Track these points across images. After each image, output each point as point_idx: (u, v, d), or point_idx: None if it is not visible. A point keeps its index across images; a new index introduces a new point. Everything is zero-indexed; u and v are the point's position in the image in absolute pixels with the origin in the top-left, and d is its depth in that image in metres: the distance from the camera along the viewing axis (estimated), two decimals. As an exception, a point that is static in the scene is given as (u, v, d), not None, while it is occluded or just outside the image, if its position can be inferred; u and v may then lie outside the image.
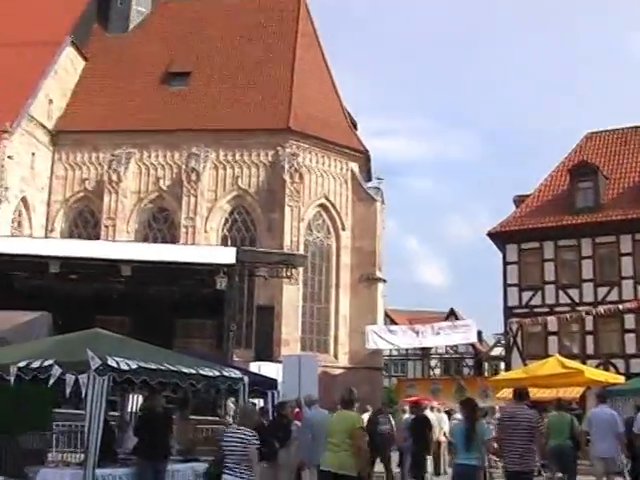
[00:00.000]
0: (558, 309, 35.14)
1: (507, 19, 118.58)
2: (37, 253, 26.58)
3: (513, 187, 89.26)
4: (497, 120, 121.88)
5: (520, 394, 12.33)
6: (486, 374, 57.66)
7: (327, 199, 43.81)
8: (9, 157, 39.61)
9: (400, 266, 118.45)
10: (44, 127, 43.61)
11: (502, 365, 46.62)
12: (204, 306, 28.88)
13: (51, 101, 44.39)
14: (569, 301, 35.59)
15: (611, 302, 33.71)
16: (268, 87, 45.09)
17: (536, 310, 36.00)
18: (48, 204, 43.81)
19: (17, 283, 28.71)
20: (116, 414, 17.94)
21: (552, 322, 34.41)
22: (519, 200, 40.38)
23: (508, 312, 37.02)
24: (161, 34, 49.17)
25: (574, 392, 27.15)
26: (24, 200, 41.77)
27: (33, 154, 42.66)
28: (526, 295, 36.84)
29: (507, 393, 23.77)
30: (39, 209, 43.09)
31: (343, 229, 43.81)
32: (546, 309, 35.74)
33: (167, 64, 46.96)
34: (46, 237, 41.36)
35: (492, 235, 38.63)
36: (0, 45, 44.47)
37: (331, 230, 43.84)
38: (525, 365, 32.26)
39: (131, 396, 18.28)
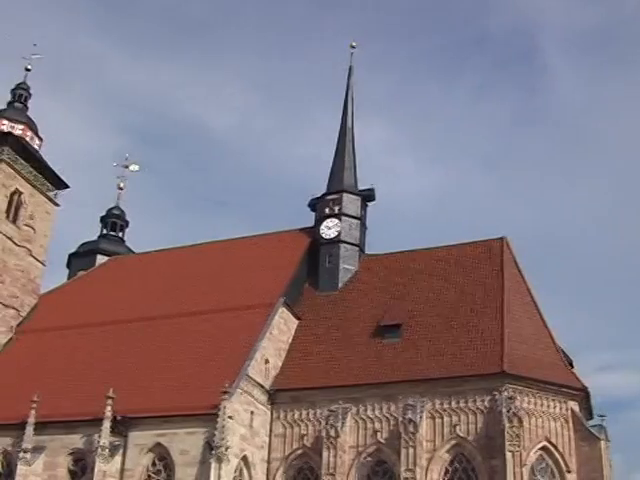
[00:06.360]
0: None
1: None
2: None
3: None
4: None
5: None
6: None
7: (549, 441, 41.87)
8: (229, 417, 40.42)
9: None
10: (261, 386, 44.74)
11: None
12: None
13: (267, 361, 45.76)
14: None
15: None
16: (479, 332, 44.98)
17: None
18: (268, 461, 44.23)
19: None
20: None
21: None
22: None
23: None
24: (370, 289, 50.68)
25: None
26: (244, 459, 42.27)
27: (252, 413, 43.57)
28: None
29: None
30: (259, 467, 43.46)
31: (569, 471, 41.41)
32: None
33: (378, 318, 47.84)
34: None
35: None
36: (219, 310, 47.88)
37: (556, 473, 41.58)
38: None
39: None
